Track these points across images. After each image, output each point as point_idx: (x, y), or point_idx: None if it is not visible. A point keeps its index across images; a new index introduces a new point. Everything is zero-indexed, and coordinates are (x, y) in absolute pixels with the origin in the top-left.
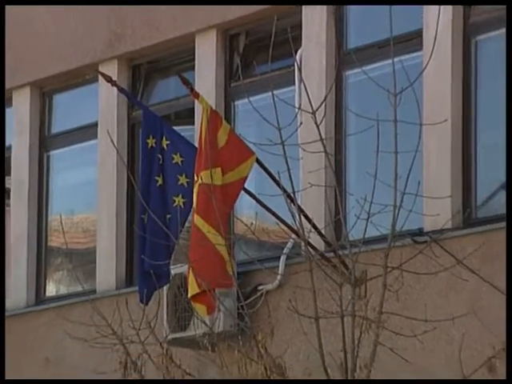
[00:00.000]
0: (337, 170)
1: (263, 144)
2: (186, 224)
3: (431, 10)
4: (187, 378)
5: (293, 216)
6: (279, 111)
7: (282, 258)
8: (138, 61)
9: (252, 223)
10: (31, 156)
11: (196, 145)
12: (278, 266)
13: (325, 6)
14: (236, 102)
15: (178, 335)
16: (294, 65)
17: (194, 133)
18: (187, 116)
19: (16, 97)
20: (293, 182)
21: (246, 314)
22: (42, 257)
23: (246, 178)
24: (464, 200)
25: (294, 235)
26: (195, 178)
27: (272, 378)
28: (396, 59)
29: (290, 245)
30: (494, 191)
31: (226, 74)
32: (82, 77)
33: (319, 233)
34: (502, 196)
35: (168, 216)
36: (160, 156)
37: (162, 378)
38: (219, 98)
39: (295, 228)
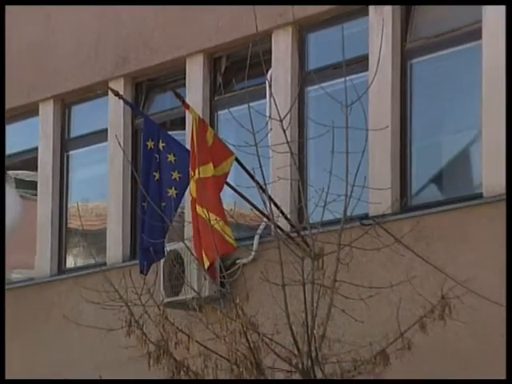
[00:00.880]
0: (299, 167)
1: (241, 146)
2: (178, 210)
3: (375, 39)
4: (180, 335)
5: (264, 204)
6: (253, 119)
7: (256, 237)
8: (140, 79)
9: (231, 209)
10: (54, 155)
11: (187, 146)
12: (252, 244)
13: (290, 36)
14: (219, 112)
15: (171, 299)
16: (265, 82)
17: (185, 137)
18: (180, 123)
19: (42, 108)
20: (264, 176)
21: (227, 282)
22: (63, 236)
23: (228, 173)
24: (401, 191)
25: (265, 219)
26: (191, 173)
27: (248, 333)
28: (347, 78)
29: (262, 227)
30: (424, 184)
31: (211, 89)
32: (95, 91)
33: (285, 217)
34: (432, 187)
35: (163, 204)
36: (157, 155)
37: (159, 333)
38: (205, 108)
39: (266, 213)
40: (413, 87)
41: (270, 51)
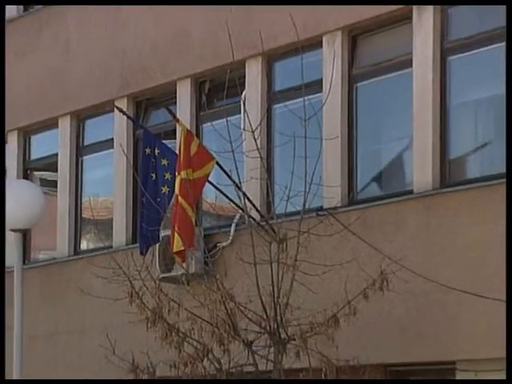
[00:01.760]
0: (268, 169)
1: (220, 152)
2: (170, 204)
3: (327, 67)
4: (172, 304)
5: (239, 198)
6: (231, 131)
7: (233, 225)
8: (140, 98)
9: (213, 203)
10: (70, 160)
11: (177, 152)
12: (229, 231)
13: (260, 64)
14: (203, 125)
15: (165, 275)
16: (240, 101)
17: (176, 145)
18: (171, 134)
19: (61, 122)
20: (239, 176)
21: (209, 261)
22: (78, 224)
23: (209, 174)
24: (348, 188)
25: (240, 211)
26: (176, 174)
27: (226, 302)
28: (306, 97)
29: (237, 217)
30: (367, 182)
31: (197, 107)
32: (103, 109)
33: (256, 209)
34: (373, 185)
35: (158, 199)
36: (153, 160)
37: (155, 302)
38: (192, 122)
39: (241, 206)
40: (358, 105)
41: (244, 76)
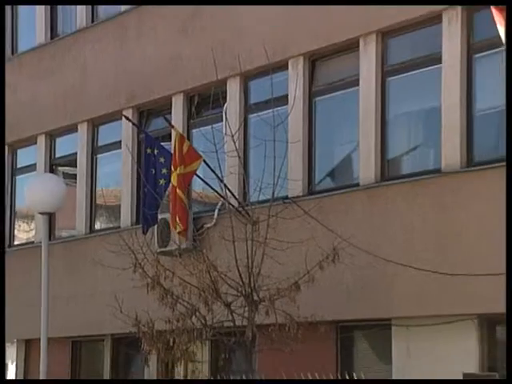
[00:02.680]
0: (244, 166)
1: (206, 152)
2: (165, 193)
3: (292, 85)
4: (167, 272)
5: (221, 189)
6: (215, 135)
7: (216, 210)
8: (143, 108)
9: (201, 192)
10: (87, 158)
11: (171, 152)
12: (213, 214)
13: (238, 82)
14: (193, 130)
15: (162, 249)
16: (222, 111)
17: (171, 146)
18: (167, 137)
19: (80, 127)
20: (221, 171)
21: (197, 239)
22: (93, 209)
23: (197, 169)
24: (308, 181)
25: (222, 199)
26: (173, 170)
27: (210, 271)
28: (274, 109)
29: (220, 203)
30: (323, 177)
31: (188, 116)
32: (113, 117)
33: (235, 197)
34: (328, 179)
35: (156, 189)
36: (153, 158)
37: (154, 271)
38: (184, 128)
39: (223, 195)
40: (316, 116)
41: (225, 92)
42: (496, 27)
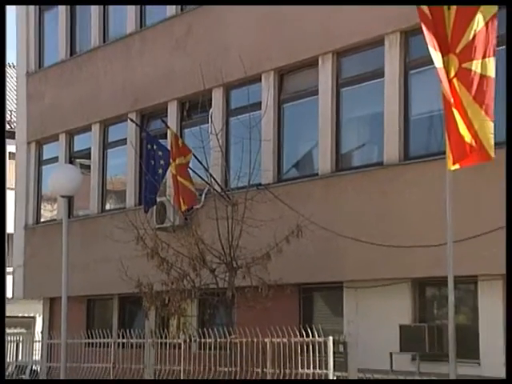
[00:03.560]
0: (226, 159)
1: (196, 147)
2: (163, 181)
3: (265, 94)
4: (163, 244)
5: (208, 177)
6: (202, 134)
7: (203, 194)
8: (144, 112)
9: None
10: (99, 152)
11: (167, 147)
12: (201, 198)
13: (221, 91)
14: (185, 130)
15: (159, 226)
16: (208, 115)
17: (167, 142)
18: (164, 136)
19: (93, 127)
20: (208, 163)
21: (188, 217)
22: (104, 194)
23: (189, 162)
24: (278, 171)
25: (208, 185)
26: (171, 161)
27: (198, 244)
28: (251, 113)
29: (206, 189)
30: (289, 168)
31: (181, 118)
32: (120, 118)
33: (218, 184)
34: (293, 170)
35: (155, 177)
36: (153, 152)
37: (153, 243)
38: (178, 128)
39: (208, 182)
40: (284, 119)
41: (211, 99)
42: (427, 48)
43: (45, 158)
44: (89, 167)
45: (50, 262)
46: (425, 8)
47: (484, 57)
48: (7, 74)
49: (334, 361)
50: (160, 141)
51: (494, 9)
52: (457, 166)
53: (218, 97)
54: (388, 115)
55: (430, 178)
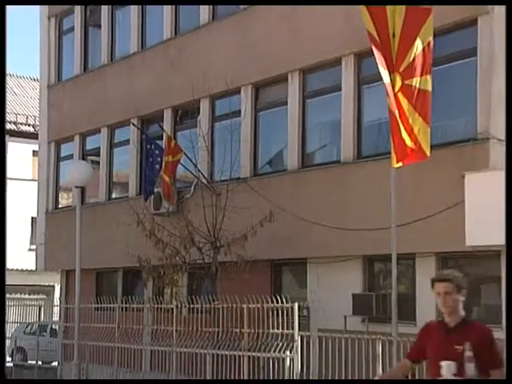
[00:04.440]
0: (211, 156)
1: (186, 147)
2: (159, 174)
3: (244, 103)
4: (159, 227)
5: (196, 172)
6: (192, 136)
7: (192, 186)
8: (144, 118)
9: (182, 174)
10: (107, 151)
11: (163, 147)
12: (191, 189)
13: (208, 101)
14: (178, 133)
15: (156, 212)
16: (197, 121)
17: (163, 143)
18: (161, 138)
19: (102, 130)
20: (196, 159)
21: (180, 205)
22: (110, 185)
23: (180, 159)
24: (254, 167)
25: (196, 178)
26: (164, 158)
27: (188, 227)
28: (232, 119)
29: (195, 182)
30: (263, 164)
31: (174, 123)
32: (124, 123)
33: (205, 178)
34: (267, 166)
35: (153, 172)
36: (151, 152)
37: (151, 226)
38: (172, 131)
39: (197, 175)
40: (260, 124)
41: (199, 107)
42: (377, 67)
43: (62, 155)
44: (98, 163)
45: (66, 240)
46: (374, 34)
47: (422, 74)
48: (32, 86)
49: (299, 322)
50: (157, 142)
51: (429, 35)
52: (400, 164)
53: (205, 106)
54: (345, 122)
55: (379, 173)
